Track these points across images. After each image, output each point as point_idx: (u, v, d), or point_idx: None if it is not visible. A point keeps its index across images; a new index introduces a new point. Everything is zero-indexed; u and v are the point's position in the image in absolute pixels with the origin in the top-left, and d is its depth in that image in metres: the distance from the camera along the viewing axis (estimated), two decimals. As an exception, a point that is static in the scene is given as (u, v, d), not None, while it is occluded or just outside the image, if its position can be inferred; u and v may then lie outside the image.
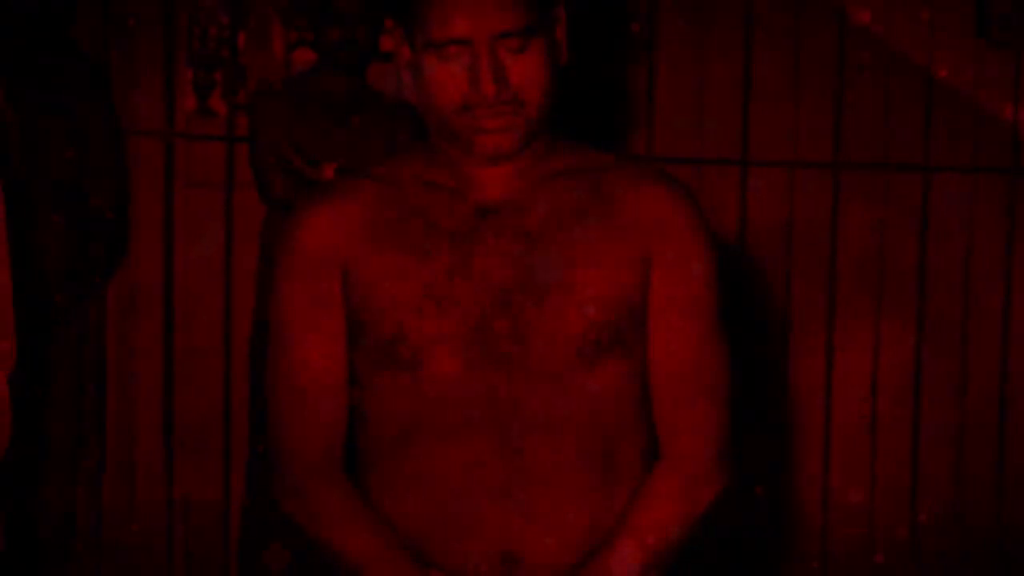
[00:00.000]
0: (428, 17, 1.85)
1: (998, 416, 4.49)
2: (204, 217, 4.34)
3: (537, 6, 1.86)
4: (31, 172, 3.69)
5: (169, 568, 4.38)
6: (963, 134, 4.46)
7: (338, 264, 1.93)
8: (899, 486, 4.47)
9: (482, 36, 1.84)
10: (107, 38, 4.31)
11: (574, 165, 1.96)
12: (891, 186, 4.47)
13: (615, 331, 1.90)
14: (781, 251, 4.46)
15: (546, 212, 1.92)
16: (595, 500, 1.92)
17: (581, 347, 1.89)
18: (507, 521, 1.90)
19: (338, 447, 1.96)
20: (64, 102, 3.82)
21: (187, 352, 4.37)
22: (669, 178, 1.98)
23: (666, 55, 4.43)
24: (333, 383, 1.95)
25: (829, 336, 4.45)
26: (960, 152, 4.47)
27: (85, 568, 4.09)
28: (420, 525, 1.93)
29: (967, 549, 4.48)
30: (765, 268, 4.47)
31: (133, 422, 4.41)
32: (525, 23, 1.85)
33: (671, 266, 1.92)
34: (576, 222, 1.91)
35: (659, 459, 1.95)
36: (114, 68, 4.29)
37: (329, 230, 1.93)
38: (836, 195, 4.43)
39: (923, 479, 4.48)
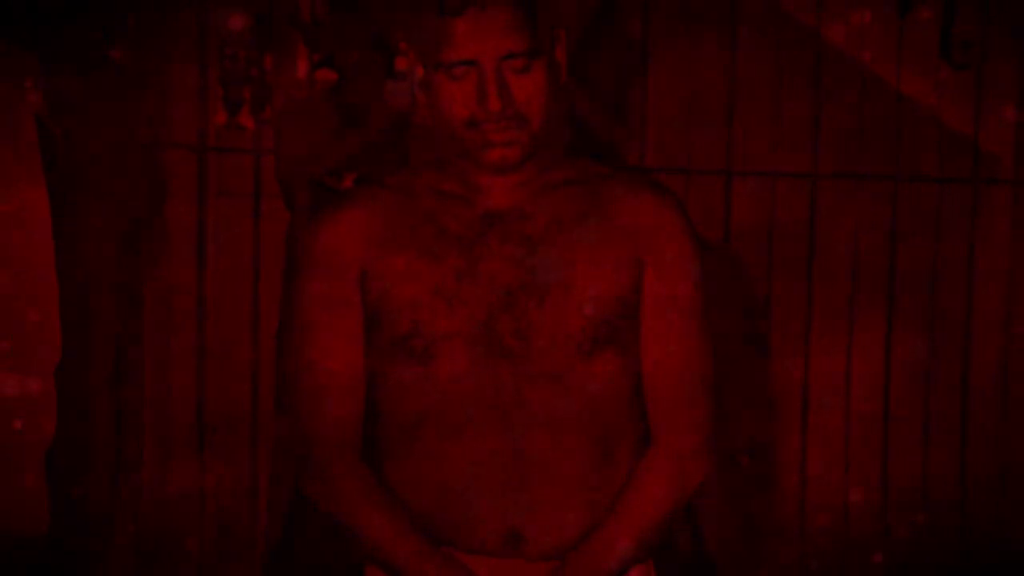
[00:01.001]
0: (439, 40, 1.84)
1: (960, 408, 4.48)
2: (234, 224, 4.33)
3: (539, 29, 1.86)
4: (72, 180, 3.68)
5: (201, 547, 4.37)
6: (929, 147, 4.47)
7: (355, 266, 1.92)
8: (871, 477, 4.46)
9: (488, 57, 1.83)
10: (145, 60, 4.30)
11: (574, 175, 1.95)
12: (864, 194, 4.46)
13: (613, 329, 1.89)
14: (763, 254, 4.46)
15: (547, 218, 1.91)
16: (595, 495, 1.91)
17: (580, 343, 1.88)
18: (510, 516, 1.89)
19: (355, 436, 1.95)
20: (102, 115, 3.81)
21: (218, 348, 4.36)
22: (661, 187, 1.98)
23: (657, 74, 4.43)
24: (349, 378, 1.93)
25: (807, 333, 4.44)
26: (926, 163, 4.47)
27: (125, 547, 4.07)
28: (426, 521, 1.92)
29: (932, 536, 4.48)
30: (748, 270, 4.46)
31: (169, 413, 4.40)
32: (528, 45, 1.84)
33: (664, 267, 1.92)
34: (575, 226, 1.91)
35: (651, 447, 1.94)
36: (151, 87, 4.28)
37: (347, 235, 1.93)
38: (813, 203, 4.42)
39: (892, 470, 4.47)
